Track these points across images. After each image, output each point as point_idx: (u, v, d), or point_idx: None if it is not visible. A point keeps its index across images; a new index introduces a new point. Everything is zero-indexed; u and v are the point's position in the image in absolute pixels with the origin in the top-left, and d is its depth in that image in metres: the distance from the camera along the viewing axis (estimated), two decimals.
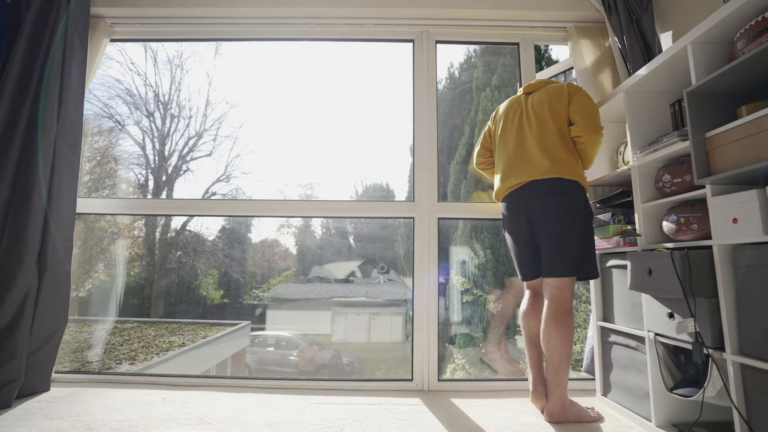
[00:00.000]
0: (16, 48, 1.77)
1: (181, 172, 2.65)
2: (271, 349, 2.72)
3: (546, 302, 1.49)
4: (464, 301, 2.57)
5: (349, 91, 2.67)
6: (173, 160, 2.65)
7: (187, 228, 2.71)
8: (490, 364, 2.49)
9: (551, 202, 1.48)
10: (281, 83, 2.65)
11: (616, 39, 1.87)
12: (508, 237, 1.66)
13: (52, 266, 1.73)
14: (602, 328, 1.70)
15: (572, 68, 2.09)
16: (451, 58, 2.94)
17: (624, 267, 1.54)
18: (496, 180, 1.68)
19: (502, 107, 1.76)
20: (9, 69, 1.75)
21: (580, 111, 1.55)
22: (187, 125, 2.66)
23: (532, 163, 1.55)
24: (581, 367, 1.88)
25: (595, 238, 1.71)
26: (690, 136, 1.16)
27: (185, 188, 2.68)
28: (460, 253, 2.67)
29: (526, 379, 1.70)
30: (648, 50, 1.80)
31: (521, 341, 2.18)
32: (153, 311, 2.57)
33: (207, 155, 2.65)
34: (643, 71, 1.45)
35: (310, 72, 2.60)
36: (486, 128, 1.82)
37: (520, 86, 2.15)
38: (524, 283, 1.66)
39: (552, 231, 1.47)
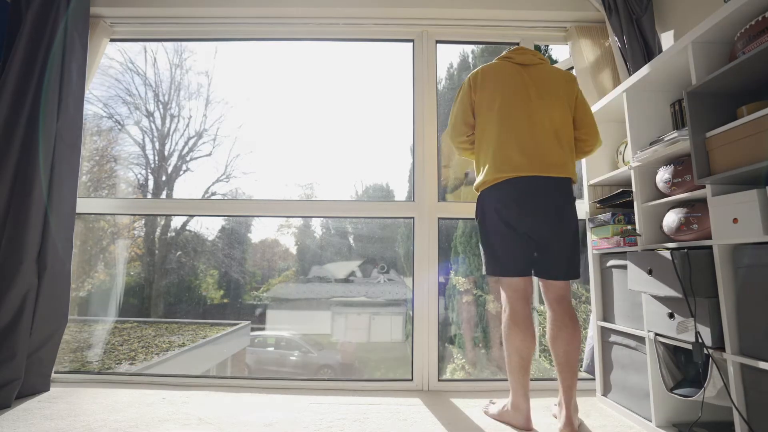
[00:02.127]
0: (16, 48, 1.77)
1: (181, 172, 2.65)
2: (271, 349, 2.72)
3: (555, 304, 1.41)
4: (464, 301, 2.57)
5: (349, 91, 2.67)
6: (173, 160, 2.65)
7: (187, 228, 2.70)
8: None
9: (563, 203, 1.40)
10: (281, 83, 2.65)
11: (616, 39, 1.87)
12: (503, 227, 1.40)
13: (52, 266, 1.73)
14: (602, 328, 1.70)
15: (572, 68, 2.09)
16: (450, 58, 2.94)
17: (624, 267, 1.54)
18: (490, 159, 1.42)
19: (485, 74, 1.49)
20: (9, 69, 1.75)
21: (588, 114, 1.51)
22: (187, 125, 2.66)
23: (549, 152, 1.38)
24: (581, 367, 1.88)
25: (596, 238, 1.71)
26: (690, 136, 1.16)
27: (185, 188, 2.67)
28: (460, 253, 2.67)
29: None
30: (648, 50, 1.80)
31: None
32: (153, 311, 2.57)
33: (207, 155, 2.65)
34: (643, 71, 1.45)
35: (310, 72, 2.60)
36: (465, 98, 1.51)
37: None
38: (514, 285, 1.42)
39: (563, 234, 1.39)
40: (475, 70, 1.53)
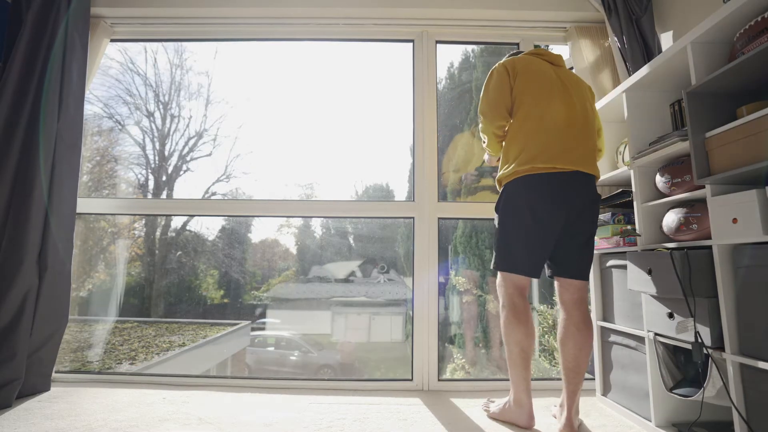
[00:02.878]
0: (16, 48, 1.77)
1: (181, 172, 2.65)
2: (271, 349, 2.72)
3: (573, 306, 1.38)
4: (464, 301, 2.57)
5: (349, 91, 2.67)
6: (173, 160, 2.65)
7: (187, 228, 2.71)
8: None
9: (594, 201, 1.40)
10: (281, 83, 2.65)
11: (615, 39, 1.87)
12: (530, 222, 1.34)
13: (53, 266, 1.74)
14: (602, 327, 1.70)
15: (572, 68, 2.09)
16: (451, 58, 2.95)
17: (624, 267, 1.54)
18: (527, 150, 1.36)
19: (522, 63, 1.45)
20: (9, 69, 1.75)
21: (601, 126, 1.56)
22: (187, 125, 2.66)
23: (585, 149, 1.38)
24: None
25: (596, 237, 1.71)
26: (690, 136, 1.16)
27: (185, 188, 2.68)
28: (460, 253, 2.67)
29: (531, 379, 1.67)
30: (648, 50, 1.80)
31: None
32: (153, 311, 2.57)
33: (207, 155, 2.65)
34: (643, 71, 1.45)
35: (310, 72, 2.60)
36: (504, 84, 1.44)
37: None
38: (519, 282, 1.39)
39: (588, 233, 1.39)
40: (505, 60, 1.50)
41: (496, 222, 1.46)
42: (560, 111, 1.39)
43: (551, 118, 1.38)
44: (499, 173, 1.46)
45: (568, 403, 1.36)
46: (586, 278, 1.40)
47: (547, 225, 1.35)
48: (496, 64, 1.51)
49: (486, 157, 1.73)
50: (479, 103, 1.52)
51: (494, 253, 1.46)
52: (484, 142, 1.59)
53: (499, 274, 1.44)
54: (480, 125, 1.53)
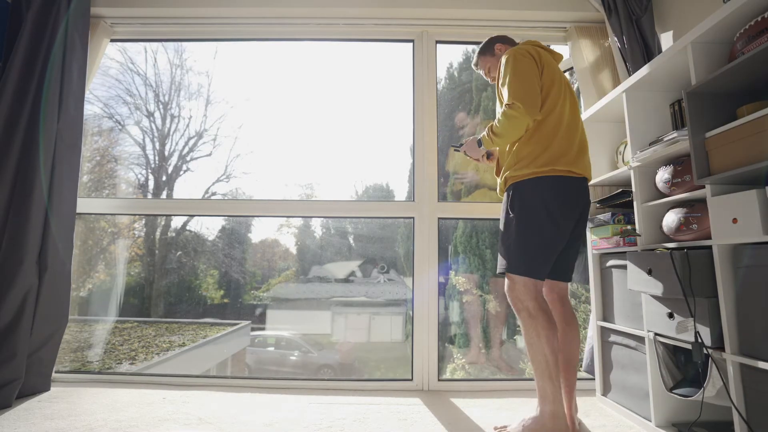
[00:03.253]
0: (16, 48, 1.77)
1: (181, 172, 2.65)
2: (271, 349, 2.72)
3: (560, 303, 1.44)
4: (464, 301, 2.57)
5: (349, 91, 2.67)
6: (173, 160, 2.65)
7: (187, 228, 2.70)
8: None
9: (588, 206, 1.42)
10: (281, 83, 2.65)
11: (615, 39, 1.87)
12: (548, 223, 1.29)
13: (53, 266, 1.74)
14: (602, 327, 1.70)
15: (572, 68, 2.09)
16: (450, 58, 2.94)
17: (624, 267, 1.54)
18: (549, 149, 1.30)
19: (543, 55, 1.38)
20: (9, 69, 1.75)
21: None
22: (187, 125, 2.66)
23: (587, 155, 1.41)
24: (581, 366, 1.88)
25: (596, 238, 1.72)
26: (690, 136, 1.16)
27: (185, 188, 2.68)
28: (460, 253, 2.67)
29: (529, 379, 1.68)
30: (648, 50, 1.80)
31: (521, 341, 2.18)
32: (153, 311, 2.57)
33: (207, 155, 2.65)
34: (643, 71, 1.45)
35: (310, 72, 2.60)
36: (536, 73, 1.33)
37: None
38: (539, 285, 1.31)
39: (581, 237, 1.45)
40: (526, 47, 1.38)
41: (511, 223, 1.33)
42: (570, 113, 1.38)
43: (566, 119, 1.35)
44: (508, 171, 1.36)
45: (567, 399, 1.38)
46: (571, 279, 1.47)
47: (563, 228, 1.32)
48: (514, 48, 1.38)
49: (466, 147, 1.53)
50: (510, 89, 1.30)
51: (507, 256, 1.33)
52: (495, 135, 1.34)
53: (510, 278, 1.32)
54: (508, 113, 1.28)
